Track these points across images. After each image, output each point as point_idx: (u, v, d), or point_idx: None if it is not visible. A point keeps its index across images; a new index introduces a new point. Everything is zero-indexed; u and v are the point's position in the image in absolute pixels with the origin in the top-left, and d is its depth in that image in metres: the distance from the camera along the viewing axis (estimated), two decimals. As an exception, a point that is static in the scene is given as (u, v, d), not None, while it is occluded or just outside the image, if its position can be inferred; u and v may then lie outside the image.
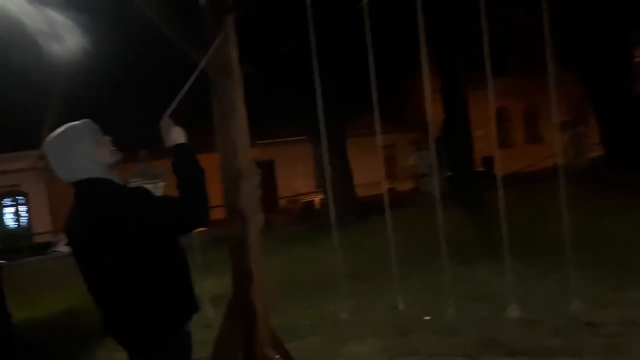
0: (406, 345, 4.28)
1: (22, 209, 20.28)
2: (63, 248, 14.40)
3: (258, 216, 2.51)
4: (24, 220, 20.30)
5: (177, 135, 2.12)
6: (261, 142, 23.17)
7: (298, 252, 9.15)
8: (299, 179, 21.37)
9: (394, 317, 4.66)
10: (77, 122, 2.02)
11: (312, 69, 2.89)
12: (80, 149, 1.94)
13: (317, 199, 18.69)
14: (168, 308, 1.99)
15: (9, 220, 20.29)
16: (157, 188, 10.59)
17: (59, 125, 2.01)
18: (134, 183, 10.38)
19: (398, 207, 12.35)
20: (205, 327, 3.45)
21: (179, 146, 2.10)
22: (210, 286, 6.58)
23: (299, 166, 21.10)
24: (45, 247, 17.30)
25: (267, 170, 20.71)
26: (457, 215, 10.14)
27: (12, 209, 20.32)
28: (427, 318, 4.78)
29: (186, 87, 2.29)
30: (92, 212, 1.95)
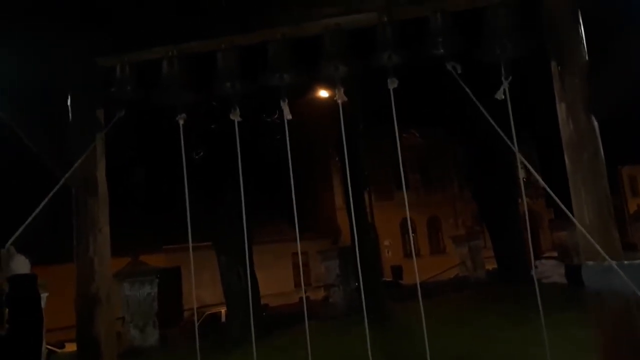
0: None
1: None
2: None
3: (113, 347, 2.24)
4: None
5: (17, 266, 1.91)
6: (168, 247, 22.07)
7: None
8: (206, 288, 20.26)
9: None
10: None
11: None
12: None
13: (222, 310, 17.71)
14: None
15: None
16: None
17: None
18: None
19: (306, 318, 11.90)
20: None
21: (17, 277, 1.89)
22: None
23: (205, 274, 20.12)
24: None
25: (172, 278, 19.51)
26: (362, 329, 9.96)
27: None
28: None
29: (38, 209, 2.12)
30: None
